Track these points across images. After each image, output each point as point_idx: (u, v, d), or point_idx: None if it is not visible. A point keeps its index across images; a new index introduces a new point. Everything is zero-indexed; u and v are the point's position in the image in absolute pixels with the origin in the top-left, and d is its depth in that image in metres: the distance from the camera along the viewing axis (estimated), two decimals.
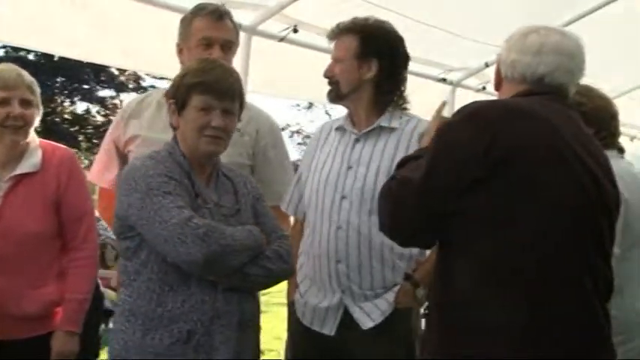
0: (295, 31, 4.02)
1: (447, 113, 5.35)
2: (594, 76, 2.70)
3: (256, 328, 2.52)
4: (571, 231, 1.89)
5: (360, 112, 2.84)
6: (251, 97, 3.22)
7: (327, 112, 20.71)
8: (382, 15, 3.36)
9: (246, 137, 3.01)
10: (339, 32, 2.84)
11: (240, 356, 2.35)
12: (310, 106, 18.22)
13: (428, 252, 2.74)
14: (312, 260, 2.81)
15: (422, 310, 1.96)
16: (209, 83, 2.35)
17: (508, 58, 2.18)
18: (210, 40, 2.92)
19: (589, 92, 2.86)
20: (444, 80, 5.31)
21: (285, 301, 3.10)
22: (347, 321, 2.76)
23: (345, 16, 3.87)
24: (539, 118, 1.94)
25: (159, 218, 2.22)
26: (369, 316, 2.74)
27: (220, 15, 2.96)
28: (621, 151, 3.05)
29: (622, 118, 3.07)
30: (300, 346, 2.95)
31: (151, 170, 2.33)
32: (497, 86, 2.23)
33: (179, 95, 2.38)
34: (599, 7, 4.52)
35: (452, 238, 1.92)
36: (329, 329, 2.79)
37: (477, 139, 1.87)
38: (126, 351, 2.28)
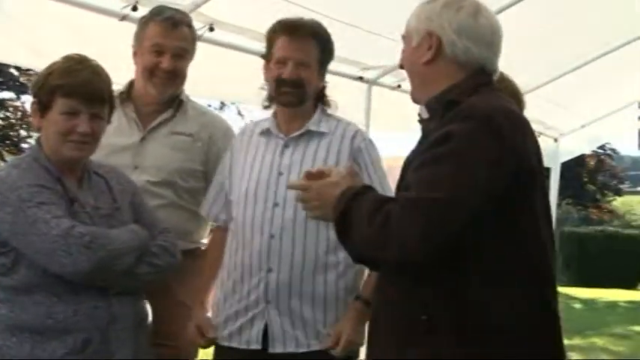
0: (211, 29, 3.98)
1: (362, 111, 5.44)
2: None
3: (148, 328, 2.54)
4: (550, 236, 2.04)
5: (293, 116, 2.86)
6: None
7: (239, 113, 20.49)
8: (300, 13, 3.41)
9: (198, 143, 3.04)
10: (300, 33, 2.81)
11: (138, 356, 2.38)
12: (222, 106, 18.04)
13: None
14: (240, 269, 2.79)
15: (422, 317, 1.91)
16: (76, 86, 2.27)
17: (459, 42, 2.09)
18: (161, 48, 2.95)
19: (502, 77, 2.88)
20: (360, 78, 5.40)
21: None
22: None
23: (262, 15, 3.88)
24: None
25: (37, 232, 2.16)
26: (283, 343, 2.75)
27: (175, 23, 3.02)
28: None
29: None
30: None
31: (19, 181, 2.23)
32: (429, 61, 2.11)
33: (42, 95, 2.28)
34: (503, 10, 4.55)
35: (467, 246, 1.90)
36: (252, 343, 2.79)
37: (506, 160, 1.89)
38: None
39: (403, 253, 1.85)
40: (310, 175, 2.09)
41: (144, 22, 3.03)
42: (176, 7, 3.68)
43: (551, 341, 2.00)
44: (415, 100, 2.20)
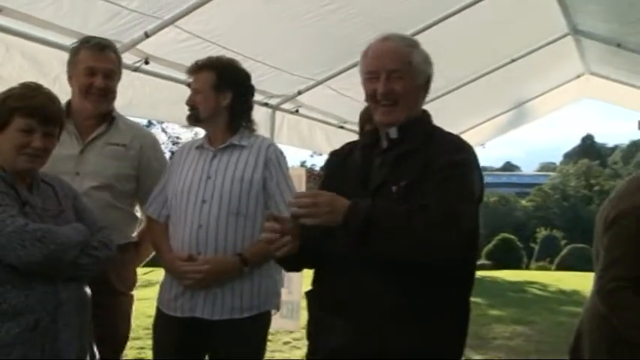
0: (146, 62, 4.09)
1: (268, 130, 5.59)
2: None
3: (89, 311, 2.48)
4: None
5: (217, 132, 3.01)
6: None
7: (163, 130, 20.39)
8: (218, 52, 3.54)
9: (131, 152, 3.11)
10: (197, 68, 2.99)
11: (82, 337, 2.36)
12: (149, 124, 17.77)
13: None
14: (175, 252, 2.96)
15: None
16: (34, 108, 2.27)
17: (428, 70, 2.24)
18: (93, 70, 2.98)
19: None
20: (266, 104, 5.54)
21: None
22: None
23: (187, 52, 4.06)
24: None
25: None
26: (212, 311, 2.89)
27: (103, 47, 3.05)
28: None
29: None
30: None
31: None
32: (409, 94, 2.18)
33: (0, 115, 2.26)
34: None
35: None
36: (180, 311, 2.91)
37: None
38: None
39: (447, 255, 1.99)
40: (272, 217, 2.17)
41: (76, 50, 3.03)
42: (118, 44, 3.81)
43: None
44: (390, 124, 2.19)
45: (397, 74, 2.15)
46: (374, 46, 2.23)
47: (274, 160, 2.99)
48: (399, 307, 2.03)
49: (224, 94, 2.96)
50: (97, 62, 2.98)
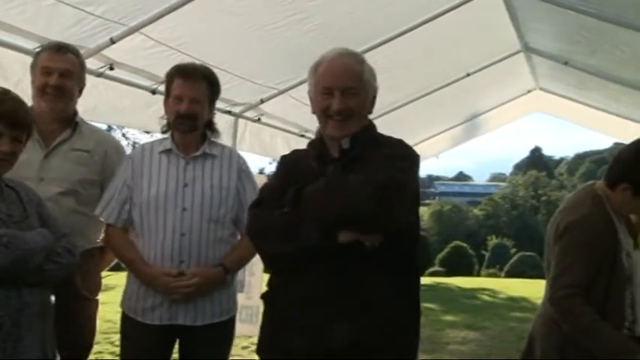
0: (111, 68, 4.04)
1: (230, 137, 5.57)
2: None
3: (53, 316, 2.46)
4: None
5: (190, 140, 2.96)
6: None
7: (123, 135, 20.25)
8: (183, 59, 3.55)
9: (96, 157, 3.09)
10: (196, 76, 2.91)
11: (44, 342, 2.32)
12: (109, 129, 17.50)
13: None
14: (153, 262, 2.88)
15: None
16: (2, 112, 2.24)
17: (375, 84, 2.30)
18: (49, 69, 2.95)
19: None
20: (229, 112, 5.54)
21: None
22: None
23: (152, 59, 4.01)
24: None
25: None
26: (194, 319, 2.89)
27: (60, 48, 3.02)
28: None
29: None
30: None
31: None
32: (362, 109, 2.25)
33: None
34: None
35: None
36: (159, 320, 2.89)
37: None
38: None
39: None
40: None
41: (37, 54, 3.03)
42: (83, 49, 3.76)
43: None
44: (343, 137, 2.22)
45: (352, 91, 2.19)
46: (327, 62, 2.24)
47: (246, 171, 3.07)
48: (363, 300, 2.07)
49: (212, 105, 3.01)
50: (53, 62, 2.95)
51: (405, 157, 2.18)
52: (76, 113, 3.11)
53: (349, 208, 1.99)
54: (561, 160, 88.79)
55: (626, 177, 2.57)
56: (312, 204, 2.05)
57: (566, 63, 6.00)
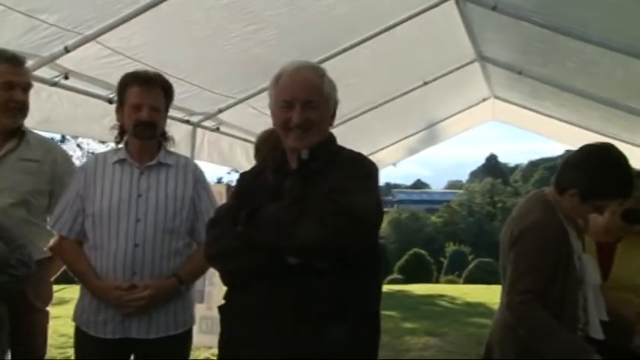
0: (66, 77, 3.99)
1: (189, 147, 5.53)
2: None
3: (6, 327, 2.45)
4: None
5: (146, 150, 2.93)
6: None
7: (78, 145, 19.86)
8: (139, 69, 3.47)
9: (45, 167, 3.03)
10: (152, 84, 2.88)
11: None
12: (63, 139, 17.22)
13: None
14: (105, 275, 2.83)
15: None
16: None
17: (335, 97, 2.30)
18: (12, 84, 2.88)
19: None
20: (187, 122, 5.53)
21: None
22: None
23: (108, 68, 3.95)
24: None
25: None
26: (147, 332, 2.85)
27: (20, 62, 2.98)
28: None
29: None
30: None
31: None
32: (322, 121, 2.25)
33: None
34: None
35: None
36: (112, 334, 2.83)
37: None
38: None
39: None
40: None
41: None
42: (36, 57, 3.69)
43: None
44: (303, 147, 2.22)
45: (312, 105, 2.20)
46: (287, 75, 2.25)
47: (202, 180, 3.03)
48: (317, 312, 2.07)
49: (166, 114, 2.97)
50: (16, 76, 2.92)
51: (363, 176, 2.16)
52: (22, 123, 3.05)
53: (297, 239, 2.00)
54: (516, 167, 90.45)
55: (574, 183, 2.64)
56: (264, 230, 2.07)
57: (520, 72, 6.14)
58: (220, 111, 5.63)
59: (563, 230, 2.65)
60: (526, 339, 2.56)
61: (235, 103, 5.58)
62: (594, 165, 2.62)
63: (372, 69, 6.13)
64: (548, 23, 4.30)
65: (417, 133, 9.05)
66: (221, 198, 5.43)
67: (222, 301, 2.30)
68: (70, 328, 3.11)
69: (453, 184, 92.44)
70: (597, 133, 6.80)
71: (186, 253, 2.94)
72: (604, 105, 5.73)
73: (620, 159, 2.62)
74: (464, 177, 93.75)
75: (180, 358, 2.99)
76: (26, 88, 2.95)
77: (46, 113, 3.93)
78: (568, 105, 6.63)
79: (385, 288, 14.92)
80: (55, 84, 3.94)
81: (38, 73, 3.80)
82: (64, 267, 3.11)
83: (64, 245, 2.93)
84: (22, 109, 2.96)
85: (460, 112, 8.72)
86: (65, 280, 3.39)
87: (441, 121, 8.94)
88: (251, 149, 6.83)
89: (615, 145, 2.71)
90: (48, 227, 3.05)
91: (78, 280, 2.96)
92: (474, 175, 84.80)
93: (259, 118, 5.77)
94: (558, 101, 6.69)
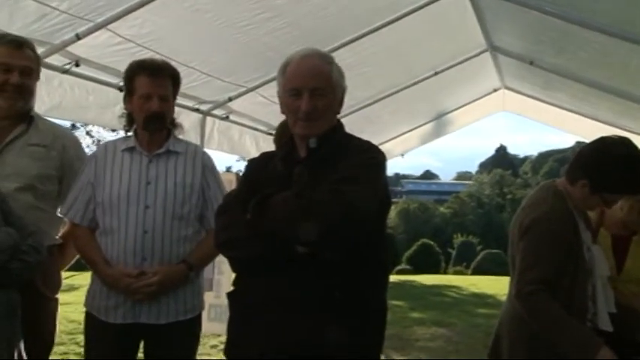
0: (77, 65, 3.98)
1: (198, 135, 5.55)
2: None
3: (19, 317, 2.43)
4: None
5: (155, 138, 2.95)
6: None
7: (87, 133, 19.93)
8: (150, 57, 3.46)
9: (53, 152, 3.01)
10: (162, 73, 2.87)
11: (11, 341, 2.31)
12: (73, 127, 17.26)
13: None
14: (116, 261, 2.86)
15: None
16: None
17: (343, 84, 2.29)
18: (9, 66, 2.86)
19: None
20: (197, 110, 5.51)
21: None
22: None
23: (119, 56, 3.96)
24: None
25: None
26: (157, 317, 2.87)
27: (19, 44, 2.91)
28: None
29: None
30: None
31: None
32: (330, 109, 2.24)
33: None
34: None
35: None
36: (122, 318, 2.85)
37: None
38: None
39: None
40: None
41: None
42: (47, 45, 3.70)
43: None
44: (311, 135, 2.21)
45: (320, 92, 2.18)
46: (294, 63, 2.23)
47: (210, 168, 3.04)
48: (325, 301, 2.07)
49: (174, 101, 2.97)
50: (13, 59, 2.86)
51: (370, 166, 2.16)
52: (31, 108, 3.04)
53: (305, 229, 1.99)
54: (526, 158, 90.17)
55: (585, 174, 2.64)
56: (273, 219, 2.06)
57: (531, 63, 6.09)
58: (230, 99, 5.60)
59: (572, 221, 2.65)
60: (535, 329, 2.57)
61: (245, 92, 5.56)
62: (608, 158, 2.61)
63: (382, 59, 6.09)
64: (560, 12, 4.26)
65: (426, 123, 9.01)
66: (231, 187, 5.41)
67: (231, 289, 2.32)
68: (79, 315, 3.14)
69: (463, 175, 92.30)
70: (609, 124, 6.75)
71: (195, 240, 2.96)
72: (617, 96, 5.69)
73: (637, 155, 2.60)
74: (473, 168, 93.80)
75: (189, 343, 3.01)
76: (25, 71, 2.88)
77: (57, 100, 3.93)
78: (580, 96, 6.58)
79: (393, 278, 14.98)
80: (66, 71, 3.93)
81: (49, 60, 3.80)
82: (78, 256, 3.12)
83: (77, 233, 2.97)
84: (19, 92, 2.89)
85: (470, 102, 8.65)
86: (75, 267, 3.40)
87: (451, 111, 8.89)
88: (261, 138, 6.87)
89: (633, 141, 2.68)
90: (60, 215, 3.05)
91: (89, 267, 2.99)
92: (483, 166, 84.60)
93: (269, 106, 5.76)
94: (570, 92, 6.64)
